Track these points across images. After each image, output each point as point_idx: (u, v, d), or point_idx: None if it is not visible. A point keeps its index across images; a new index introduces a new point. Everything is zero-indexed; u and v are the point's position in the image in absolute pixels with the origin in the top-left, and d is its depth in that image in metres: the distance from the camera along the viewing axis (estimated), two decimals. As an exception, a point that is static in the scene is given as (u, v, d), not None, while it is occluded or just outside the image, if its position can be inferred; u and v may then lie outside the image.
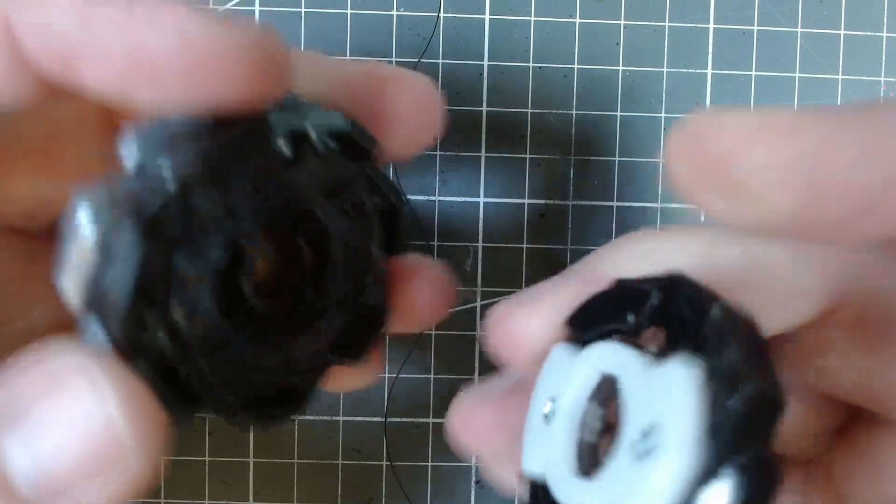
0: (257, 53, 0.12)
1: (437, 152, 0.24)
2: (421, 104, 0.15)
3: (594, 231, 0.25)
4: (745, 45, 0.25)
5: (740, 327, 0.10)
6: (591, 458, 0.12)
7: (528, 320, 0.13)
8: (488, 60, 0.24)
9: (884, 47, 0.25)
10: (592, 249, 0.25)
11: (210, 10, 0.12)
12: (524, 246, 0.25)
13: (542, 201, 0.25)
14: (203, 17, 0.12)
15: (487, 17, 0.24)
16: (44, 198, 0.15)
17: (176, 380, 0.12)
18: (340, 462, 0.25)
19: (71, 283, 0.12)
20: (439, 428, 0.25)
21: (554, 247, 0.25)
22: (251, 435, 0.24)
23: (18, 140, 0.14)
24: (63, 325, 0.15)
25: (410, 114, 0.15)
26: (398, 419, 0.25)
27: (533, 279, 0.25)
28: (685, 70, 0.25)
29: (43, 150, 0.15)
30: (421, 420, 0.25)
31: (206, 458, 0.24)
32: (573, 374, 0.12)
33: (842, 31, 0.25)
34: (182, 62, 0.12)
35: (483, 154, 0.24)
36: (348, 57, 0.24)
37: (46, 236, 0.15)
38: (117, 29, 0.11)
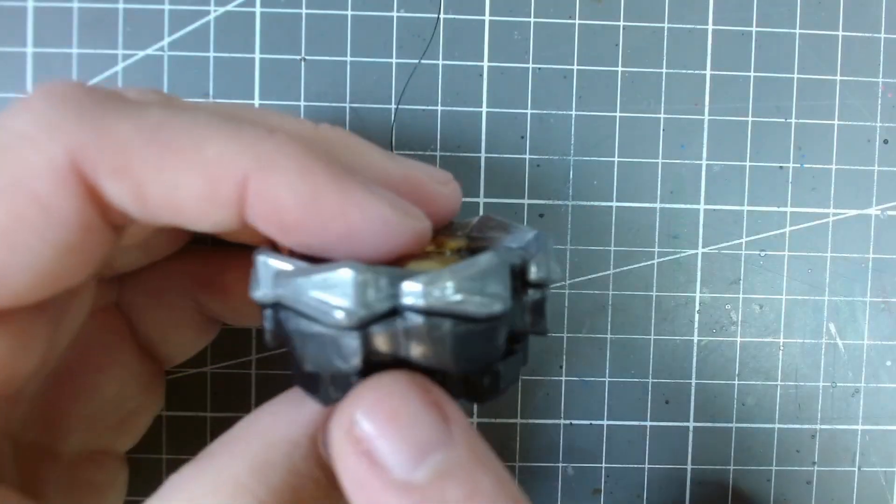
0: (420, 233, 0.16)
1: (437, 153, 0.24)
2: (449, 198, 0.18)
3: (594, 231, 0.25)
4: (744, 46, 0.25)
5: None
6: None
7: None
8: (488, 61, 0.24)
9: (882, 48, 0.25)
10: (592, 249, 0.25)
11: (395, 200, 0.15)
12: (524, 246, 0.25)
13: (542, 201, 0.25)
14: (396, 206, 0.15)
15: (487, 17, 0.24)
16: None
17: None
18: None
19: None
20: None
21: (554, 247, 0.25)
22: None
23: None
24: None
25: (442, 207, 0.18)
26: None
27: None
28: (684, 71, 0.25)
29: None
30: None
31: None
32: None
33: (840, 33, 0.25)
34: (374, 238, 0.15)
35: (483, 154, 0.25)
36: (348, 57, 0.24)
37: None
38: (336, 215, 0.14)
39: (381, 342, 0.14)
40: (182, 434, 0.24)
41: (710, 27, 0.25)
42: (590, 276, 0.25)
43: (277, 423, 0.16)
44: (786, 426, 0.25)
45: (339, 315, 0.14)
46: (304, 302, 0.14)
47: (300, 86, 0.24)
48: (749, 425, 0.25)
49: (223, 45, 0.24)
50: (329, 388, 0.15)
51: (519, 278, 0.16)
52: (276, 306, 0.15)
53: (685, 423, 0.25)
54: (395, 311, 0.14)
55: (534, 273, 0.16)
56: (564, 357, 0.25)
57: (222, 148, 0.14)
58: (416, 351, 0.14)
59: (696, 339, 0.25)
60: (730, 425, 0.25)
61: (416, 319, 0.14)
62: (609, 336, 0.25)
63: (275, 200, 0.14)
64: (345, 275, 0.14)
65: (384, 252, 0.15)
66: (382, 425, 0.13)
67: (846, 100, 0.25)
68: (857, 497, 0.26)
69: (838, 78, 0.25)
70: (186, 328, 0.22)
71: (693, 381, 0.25)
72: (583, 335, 0.25)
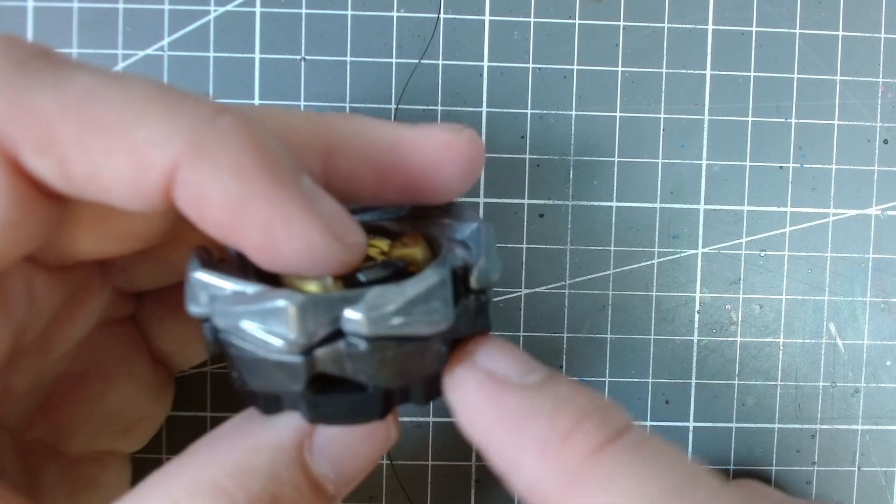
0: (348, 263, 0.15)
1: (437, 153, 0.24)
2: (458, 160, 0.17)
3: (594, 231, 0.25)
4: (744, 46, 0.25)
5: None
6: None
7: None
8: (488, 61, 0.24)
9: (881, 48, 0.25)
10: (592, 249, 0.25)
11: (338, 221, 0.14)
12: (524, 246, 0.25)
13: (542, 201, 0.25)
14: (329, 231, 0.14)
15: (487, 17, 0.24)
16: (103, 251, 0.17)
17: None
18: (341, 462, 0.25)
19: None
20: (440, 427, 0.25)
21: (554, 247, 0.25)
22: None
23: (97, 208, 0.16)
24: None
25: (445, 173, 0.17)
26: (399, 418, 0.25)
27: (532, 279, 0.25)
28: (684, 71, 0.25)
29: (115, 219, 0.16)
30: (422, 419, 0.25)
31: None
32: None
33: (840, 32, 0.25)
34: (295, 259, 0.14)
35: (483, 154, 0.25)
36: (348, 57, 0.24)
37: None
38: (260, 226, 0.13)
39: (325, 364, 0.14)
40: (182, 434, 0.24)
41: (710, 27, 0.25)
42: (590, 276, 0.25)
43: (263, 426, 0.15)
44: (786, 426, 0.25)
45: (280, 344, 0.14)
46: (243, 330, 0.14)
47: (300, 86, 0.24)
48: (749, 425, 0.25)
49: (223, 45, 0.24)
50: (271, 403, 0.15)
51: (461, 282, 0.16)
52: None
53: (685, 423, 0.25)
54: (338, 333, 0.14)
55: (475, 282, 0.15)
56: (564, 357, 0.25)
57: (154, 129, 0.13)
58: (360, 371, 0.14)
59: (696, 339, 0.25)
60: (730, 425, 0.25)
61: (360, 345, 0.14)
62: (609, 336, 0.25)
63: (201, 194, 0.13)
64: (282, 304, 0.13)
65: (303, 271, 0.15)
66: (496, 355, 0.15)
67: (846, 100, 0.25)
68: (857, 497, 0.26)
69: (838, 78, 0.25)
70: (201, 341, 0.22)
71: (693, 381, 0.25)
72: (583, 335, 0.25)
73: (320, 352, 0.14)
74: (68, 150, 0.13)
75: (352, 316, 0.14)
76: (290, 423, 0.15)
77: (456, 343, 0.16)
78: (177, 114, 0.13)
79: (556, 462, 0.13)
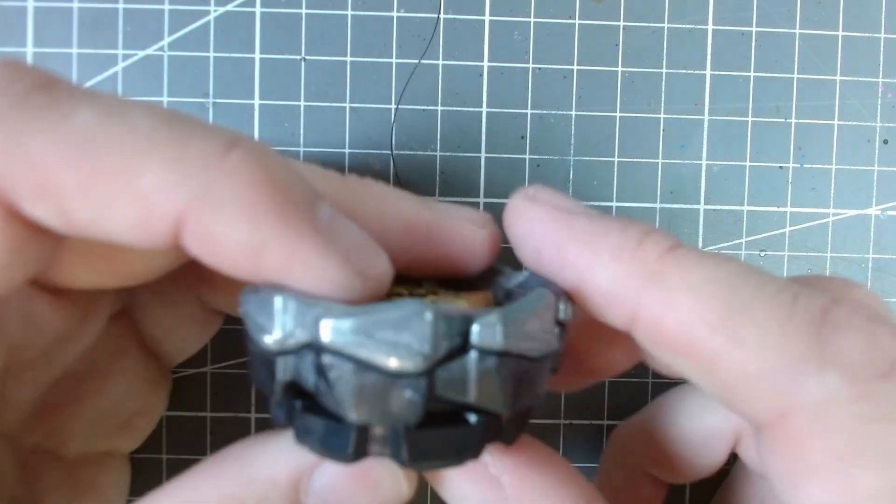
0: (369, 296, 0.14)
1: (437, 153, 0.24)
2: (479, 246, 0.17)
3: (594, 231, 0.25)
4: (744, 46, 0.25)
5: None
6: None
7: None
8: (488, 61, 0.24)
9: (881, 48, 0.25)
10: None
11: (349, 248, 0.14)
12: (524, 246, 0.25)
13: (542, 201, 0.25)
14: (348, 264, 0.14)
15: (487, 17, 0.24)
16: (100, 284, 0.17)
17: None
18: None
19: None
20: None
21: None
22: (252, 430, 0.24)
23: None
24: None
25: (468, 256, 0.17)
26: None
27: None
28: (684, 71, 0.25)
29: (114, 257, 0.16)
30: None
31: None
32: None
33: (840, 32, 0.25)
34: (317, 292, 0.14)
35: (483, 154, 0.25)
36: (348, 57, 0.24)
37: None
38: (277, 267, 0.13)
39: (443, 387, 0.13)
40: (182, 434, 0.24)
41: (710, 27, 0.25)
42: (590, 276, 0.25)
43: (262, 457, 0.15)
44: (786, 426, 0.25)
45: (407, 360, 0.13)
46: (366, 346, 0.13)
47: (300, 86, 0.24)
48: (749, 425, 0.25)
49: (223, 45, 0.24)
50: (361, 445, 0.14)
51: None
52: (302, 351, 0.13)
53: (685, 423, 0.25)
54: (453, 355, 0.13)
55: (562, 312, 0.15)
56: (564, 357, 0.25)
57: (159, 176, 0.12)
58: (481, 393, 0.13)
59: (696, 339, 0.25)
60: (730, 425, 0.25)
61: (489, 361, 0.13)
62: (609, 336, 0.25)
63: (211, 241, 0.13)
64: (424, 314, 0.13)
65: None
66: (555, 194, 0.16)
67: (846, 100, 0.25)
68: (857, 497, 0.26)
69: (838, 78, 0.25)
70: (190, 323, 0.21)
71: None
72: (583, 335, 0.25)
73: (441, 372, 0.13)
74: (69, 197, 0.12)
75: (488, 328, 0.13)
76: (289, 458, 0.15)
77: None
78: (183, 155, 0.12)
79: (633, 262, 0.14)
